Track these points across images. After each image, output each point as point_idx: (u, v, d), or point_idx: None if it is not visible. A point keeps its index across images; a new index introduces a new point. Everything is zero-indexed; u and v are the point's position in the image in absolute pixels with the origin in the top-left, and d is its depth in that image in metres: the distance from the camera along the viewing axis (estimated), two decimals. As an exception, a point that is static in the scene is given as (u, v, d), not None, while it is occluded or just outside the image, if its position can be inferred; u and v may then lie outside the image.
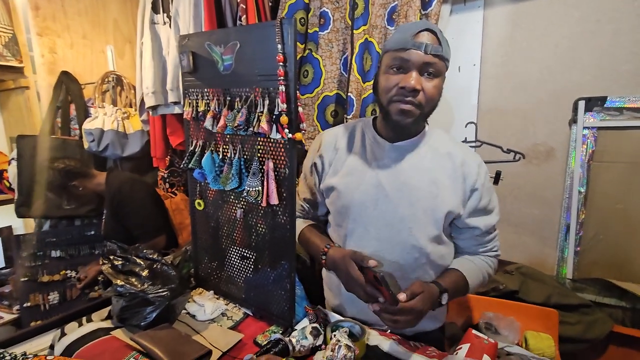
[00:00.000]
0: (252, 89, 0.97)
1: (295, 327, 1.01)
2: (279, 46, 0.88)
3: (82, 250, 1.79)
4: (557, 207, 1.60)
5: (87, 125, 1.85)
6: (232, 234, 1.14)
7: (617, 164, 1.49)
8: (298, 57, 1.51)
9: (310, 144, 1.14)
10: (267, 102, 0.94)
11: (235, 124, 0.96)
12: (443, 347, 1.06)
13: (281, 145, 0.96)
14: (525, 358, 1.00)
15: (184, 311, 1.07)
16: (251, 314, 1.10)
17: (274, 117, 0.92)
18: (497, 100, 1.64)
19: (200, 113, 1.06)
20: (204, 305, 1.09)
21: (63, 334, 0.94)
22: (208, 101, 1.06)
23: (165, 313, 0.97)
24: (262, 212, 1.05)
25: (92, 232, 1.82)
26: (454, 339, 1.36)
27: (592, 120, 1.49)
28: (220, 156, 1.08)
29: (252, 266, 1.11)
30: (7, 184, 2.01)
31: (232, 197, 1.11)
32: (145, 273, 1.01)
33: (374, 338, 0.95)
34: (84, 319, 1.03)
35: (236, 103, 1.00)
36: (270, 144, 0.98)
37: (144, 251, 1.08)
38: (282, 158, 0.96)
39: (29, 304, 1.64)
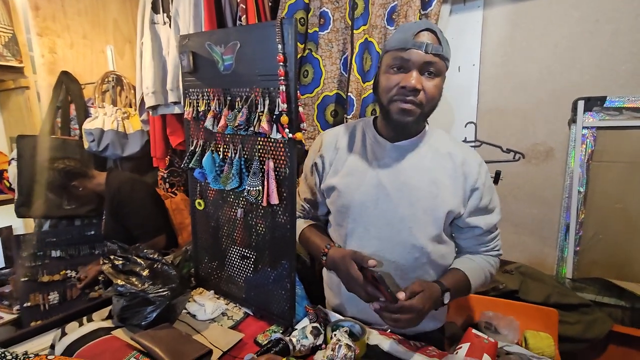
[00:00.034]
0: (253, 88, 0.97)
1: (296, 327, 1.01)
2: (280, 46, 0.88)
3: (82, 250, 1.79)
4: (556, 206, 1.60)
5: (87, 125, 1.85)
6: (232, 233, 1.14)
7: (616, 164, 1.50)
8: (298, 57, 1.51)
9: (310, 144, 1.14)
10: (267, 102, 0.94)
11: (236, 124, 0.97)
12: (443, 347, 1.06)
13: (281, 145, 0.96)
14: (525, 357, 1.00)
15: (184, 311, 1.07)
16: (251, 314, 1.11)
17: (275, 116, 0.92)
18: (497, 100, 1.65)
19: (201, 113, 1.07)
20: (205, 304, 1.09)
21: (64, 334, 0.94)
22: (208, 101, 1.06)
23: (165, 313, 0.97)
24: (262, 211, 1.05)
25: (92, 232, 1.82)
26: (453, 338, 1.36)
27: (592, 120, 1.50)
28: (221, 156, 1.08)
29: (253, 266, 1.11)
30: (7, 184, 2.01)
31: (233, 196, 1.11)
32: (145, 273, 1.01)
33: (374, 337, 0.95)
34: (85, 318, 1.03)
35: (236, 103, 1.00)
36: (270, 144, 0.98)
37: (145, 251, 1.09)
38: (283, 158, 0.96)
39: (29, 304, 1.64)
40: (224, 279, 1.19)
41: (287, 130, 0.91)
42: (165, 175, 1.98)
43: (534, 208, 1.65)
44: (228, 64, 1.01)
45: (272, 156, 0.98)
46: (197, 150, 1.12)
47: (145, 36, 1.66)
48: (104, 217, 1.75)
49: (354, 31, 1.42)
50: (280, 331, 1.02)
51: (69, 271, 1.73)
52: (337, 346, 0.80)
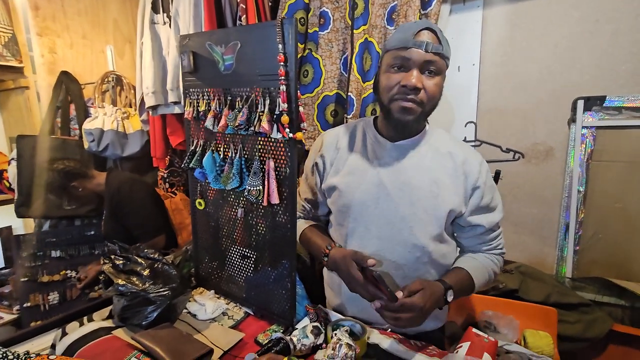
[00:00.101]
0: (253, 88, 0.97)
1: (296, 326, 1.01)
2: (280, 46, 0.88)
3: (82, 250, 1.79)
4: (556, 206, 1.60)
5: (87, 125, 1.85)
6: (232, 233, 1.14)
7: (616, 163, 1.50)
8: (298, 57, 1.51)
9: (310, 144, 1.15)
10: (267, 101, 0.94)
11: (237, 124, 0.97)
12: (443, 346, 1.06)
13: (282, 145, 0.96)
14: (524, 356, 1.00)
15: (185, 310, 1.08)
16: (252, 313, 1.11)
17: (275, 116, 0.92)
18: (497, 99, 1.65)
19: (201, 113, 1.07)
20: (205, 304, 1.09)
21: (64, 334, 0.94)
22: (209, 101, 1.06)
23: (166, 312, 0.97)
24: (262, 211, 1.05)
25: (92, 232, 1.82)
26: (454, 337, 1.36)
27: (591, 119, 1.50)
28: (221, 156, 1.08)
29: (253, 265, 1.11)
30: (7, 184, 2.01)
31: (233, 196, 1.11)
32: (146, 272, 1.01)
33: (375, 337, 0.95)
34: (85, 318, 1.03)
35: (237, 103, 1.00)
36: (271, 144, 0.98)
37: (145, 251, 1.09)
38: (283, 157, 0.96)
39: (29, 304, 1.64)
40: (224, 279, 1.19)
41: (287, 130, 0.91)
42: (165, 175, 1.98)
43: (533, 207, 1.65)
44: (228, 63, 1.01)
45: (273, 156, 0.98)
46: (197, 150, 1.12)
47: (145, 36, 1.66)
48: (103, 217, 1.75)
49: (354, 31, 1.42)
50: (281, 331, 1.02)
51: (69, 271, 1.73)
52: (337, 345, 0.80)
